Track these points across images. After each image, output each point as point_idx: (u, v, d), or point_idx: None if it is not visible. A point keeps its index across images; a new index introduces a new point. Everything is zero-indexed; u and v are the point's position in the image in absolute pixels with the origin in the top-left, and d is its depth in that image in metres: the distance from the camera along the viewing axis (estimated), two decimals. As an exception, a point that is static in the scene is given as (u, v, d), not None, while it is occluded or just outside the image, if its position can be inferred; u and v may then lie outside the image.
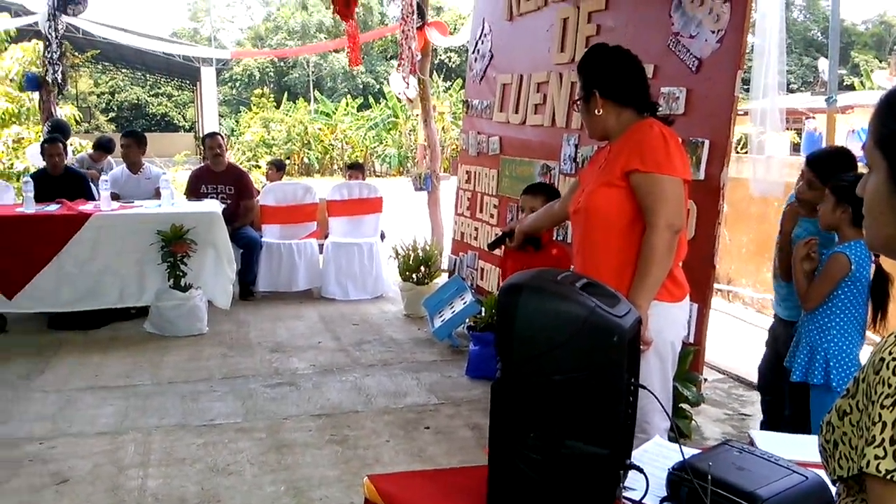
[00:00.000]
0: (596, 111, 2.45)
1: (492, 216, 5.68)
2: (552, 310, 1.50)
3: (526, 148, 5.24)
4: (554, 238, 4.09)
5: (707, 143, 3.47)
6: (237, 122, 33.61)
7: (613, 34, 4.13)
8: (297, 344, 5.28)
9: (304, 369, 4.71)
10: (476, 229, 5.94)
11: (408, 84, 7.33)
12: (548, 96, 4.96)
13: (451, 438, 3.63)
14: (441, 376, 4.57)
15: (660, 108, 2.68)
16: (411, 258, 6.09)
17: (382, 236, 7.24)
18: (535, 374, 1.50)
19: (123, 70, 37.64)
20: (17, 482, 3.16)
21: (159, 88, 43.46)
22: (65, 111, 9.28)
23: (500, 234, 3.18)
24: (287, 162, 18.97)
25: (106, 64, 32.87)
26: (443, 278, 6.22)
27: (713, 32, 3.50)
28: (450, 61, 37.46)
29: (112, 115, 41.04)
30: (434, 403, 4.11)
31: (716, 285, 4.30)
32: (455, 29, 15.11)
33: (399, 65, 7.44)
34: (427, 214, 7.98)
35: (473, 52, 6.25)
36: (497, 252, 5.18)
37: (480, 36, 6.09)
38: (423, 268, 6.09)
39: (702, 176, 3.44)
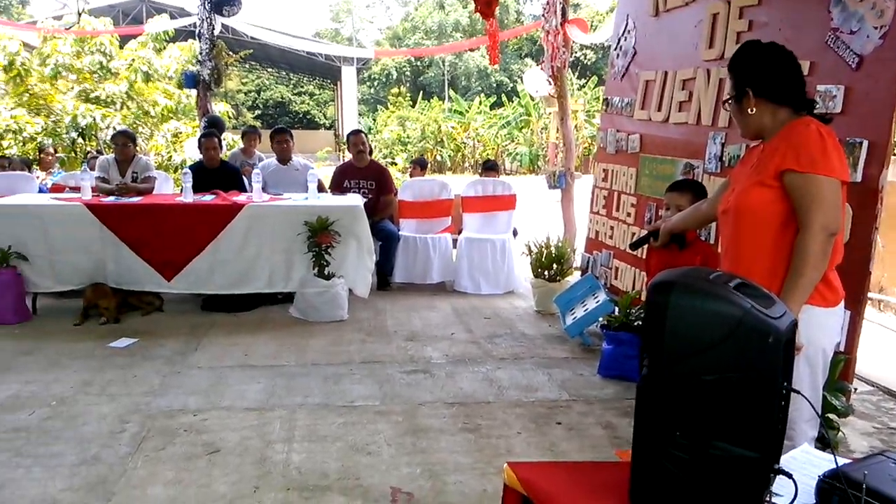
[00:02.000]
0: (749, 110, 2.39)
1: (629, 215, 5.60)
2: (705, 309, 1.49)
3: (668, 146, 5.14)
4: (699, 237, 3.99)
5: (866, 143, 3.29)
6: (374, 120, 34.57)
7: (766, 30, 3.99)
8: (431, 334, 5.42)
9: (438, 358, 4.83)
10: (612, 228, 5.88)
11: (551, 82, 7.33)
12: (693, 94, 4.84)
13: (583, 435, 3.63)
14: (573, 373, 4.57)
15: (817, 107, 2.58)
16: (544, 255, 6.11)
17: (515, 233, 7.29)
18: (684, 373, 1.50)
19: (269, 70, 39.56)
20: (173, 450, 3.43)
21: (302, 87, 45.36)
22: (219, 108, 9.87)
23: (644, 233, 3.14)
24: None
25: (253, 63, 34.67)
26: (575, 276, 6.19)
27: (876, 28, 3.32)
28: (585, 58, 36.99)
29: (258, 112, 43.21)
30: (565, 400, 4.11)
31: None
32: (593, 26, 14.91)
33: (543, 62, 7.46)
34: (559, 212, 7.96)
35: (615, 48, 6.17)
36: (636, 253, 5.13)
37: (623, 32, 6.00)
38: (555, 265, 6.09)
39: (859, 178, 3.28)
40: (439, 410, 3.92)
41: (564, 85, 7.87)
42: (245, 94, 43.13)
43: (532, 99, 26.41)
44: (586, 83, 30.36)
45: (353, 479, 3.14)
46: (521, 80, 26.36)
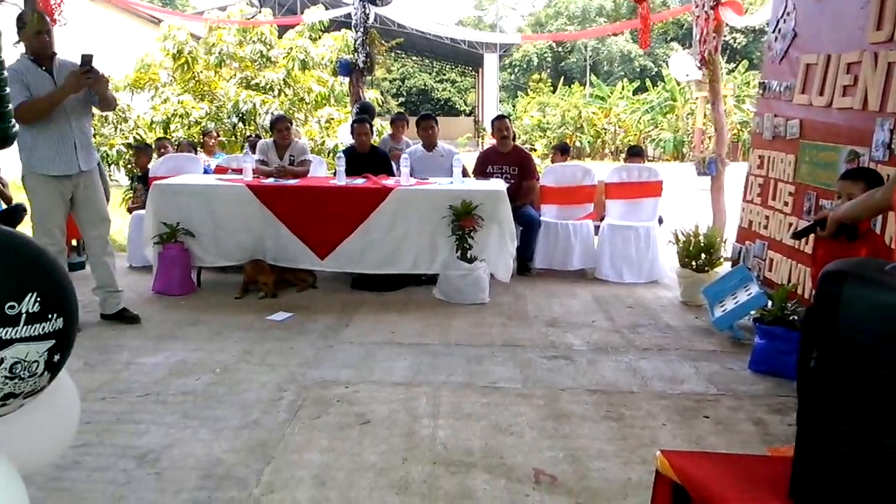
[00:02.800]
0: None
1: (786, 204, 5.34)
2: (882, 301, 1.43)
3: (830, 132, 4.85)
4: (871, 228, 3.76)
5: None
6: (514, 106, 34.56)
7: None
8: (571, 321, 5.41)
9: (579, 346, 4.82)
10: (767, 217, 5.62)
11: (700, 66, 7.09)
12: (859, 77, 4.54)
13: (732, 431, 3.52)
14: (721, 367, 4.43)
15: None
16: (692, 244, 5.93)
17: (660, 221, 7.11)
18: (856, 367, 1.45)
19: (414, 58, 40.35)
20: (327, 419, 3.62)
21: (444, 75, 45.98)
22: (369, 95, 10.20)
23: (811, 222, 3.00)
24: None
25: (398, 52, 35.48)
26: (725, 267, 5.97)
27: None
28: (735, 42, 35.29)
29: (401, 99, 44.22)
30: (713, 394, 4.00)
31: None
32: (748, 9, 14.21)
33: (693, 46, 7.23)
34: (707, 200, 7.68)
35: (773, 31, 5.87)
36: (797, 243, 4.89)
37: (783, 14, 5.70)
38: (703, 255, 5.90)
39: None
40: (581, 397, 3.92)
41: (717, 69, 7.57)
42: (390, 81, 44.23)
43: (678, 84, 25.53)
44: (736, 67, 29.01)
45: (497, 458, 3.20)
46: (667, 64, 25.51)
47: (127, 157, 9.83)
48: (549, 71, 40.78)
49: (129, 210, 7.28)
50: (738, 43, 35.34)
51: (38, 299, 1.14)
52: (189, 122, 10.10)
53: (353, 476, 3.01)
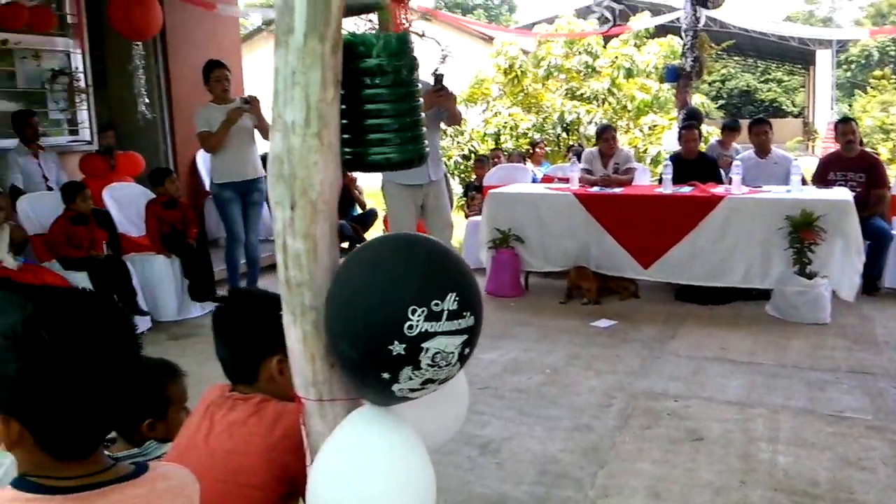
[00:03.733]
0: None
1: None
2: None
3: None
4: None
5: None
6: (850, 105, 31.16)
7: None
8: (934, 350, 4.77)
9: (945, 379, 4.24)
10: None
11: None
12: None
13: None
14: None
15: None
16: None
17: None
18: None
19: (736, 58, 38.20)
20: (658, 431, 3.60)
21: (769, 74, 42.90)
22: (695, 100, 9.91)
23: None
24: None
25: (720, 53, 33.83)
26: None
27: None
28: None
29: (721, 102, 42.10)
30: None
31: None
32: None
33: None
34: None
35: None
36: None
37: None
38: None
39: None
40: (949, 436, 3.46)
41: None
42: (709, 84, 42.33)
43: None
44: None
45: (846, 493, 2.96)
46: None
47: (462, 167, 10.62)
48: (892, 66, 36.09)
49: (466, 216, 7.88)
50: None
51: (457, 299, 1.32)
52: (517, 134, 10.64)
53: (688, 492, 2.98)
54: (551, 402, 3.99)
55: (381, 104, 1.53)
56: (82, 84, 7.13)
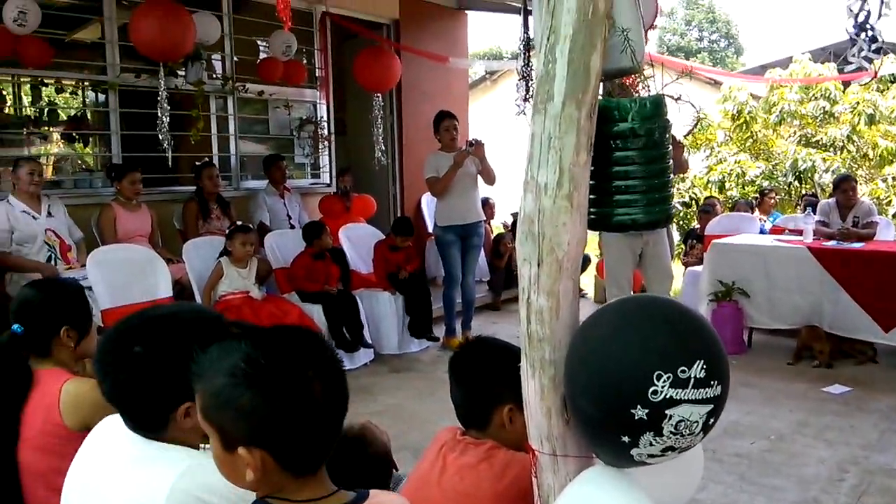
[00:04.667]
0: None
1: None
2: None
3: None
4: None
5: None
6: None
7: None
8: None
9: None
10: None
11: None
12: None
13: None
14: None
15: None
16: None
17: None
18: None
19: None
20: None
21: None
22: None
23: None
24: None
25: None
26: None
27: None
28: None
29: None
30: None
31: None
32: None
33: None
34: None
35: None
36: None
37: None
38: None
39: None
40: None
41: None
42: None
43: None
44: None
45: None
46: None
47: (682, 213, 10.24)
48: None
49: (685, 265, 7.61)
50: None
51: (705, 366, 1.30)
52: (744, 182, 10.11)
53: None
54: (776, 471, 3.73)
55: (631, 166, 1.56)
56: (325, 132, 7.76)
